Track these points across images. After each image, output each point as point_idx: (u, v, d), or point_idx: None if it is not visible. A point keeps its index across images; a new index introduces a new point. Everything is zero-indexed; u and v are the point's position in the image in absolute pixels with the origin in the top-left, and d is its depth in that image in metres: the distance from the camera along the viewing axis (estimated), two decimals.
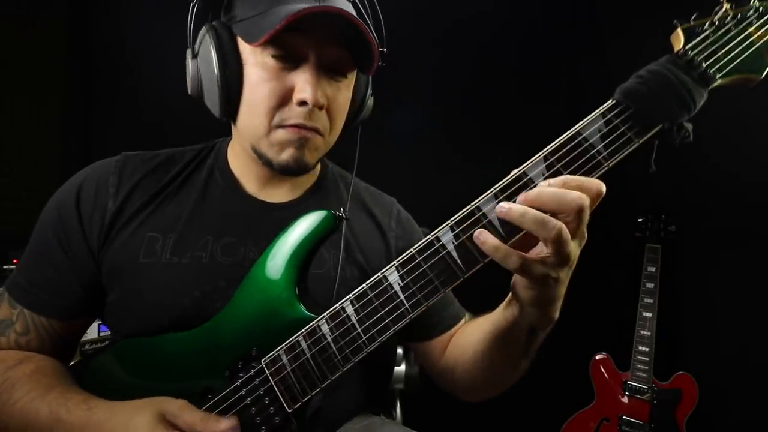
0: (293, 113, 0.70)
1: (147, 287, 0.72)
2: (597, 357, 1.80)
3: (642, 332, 1.72)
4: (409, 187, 1.29)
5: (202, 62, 0.73)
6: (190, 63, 0.75)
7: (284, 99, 0.70)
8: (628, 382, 1.72)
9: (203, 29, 0.73)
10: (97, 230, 0.74)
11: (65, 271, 0.75)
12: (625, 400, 1.72)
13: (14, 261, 1.49)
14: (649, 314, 1.72)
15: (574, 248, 0.53)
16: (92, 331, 1.42)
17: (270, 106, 0.70)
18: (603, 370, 1.79)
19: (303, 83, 0.69)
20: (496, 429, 2.00)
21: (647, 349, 1.70)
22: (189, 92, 0.77)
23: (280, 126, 0.72)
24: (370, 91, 0.85)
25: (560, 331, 2.42)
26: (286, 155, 0.73)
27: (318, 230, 0.68)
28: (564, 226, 0.51)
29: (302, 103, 0.69)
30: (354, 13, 0.72)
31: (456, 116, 2.06)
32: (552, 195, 0.51)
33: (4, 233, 1.52)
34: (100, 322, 1.43)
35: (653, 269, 1.74)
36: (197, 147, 0.87)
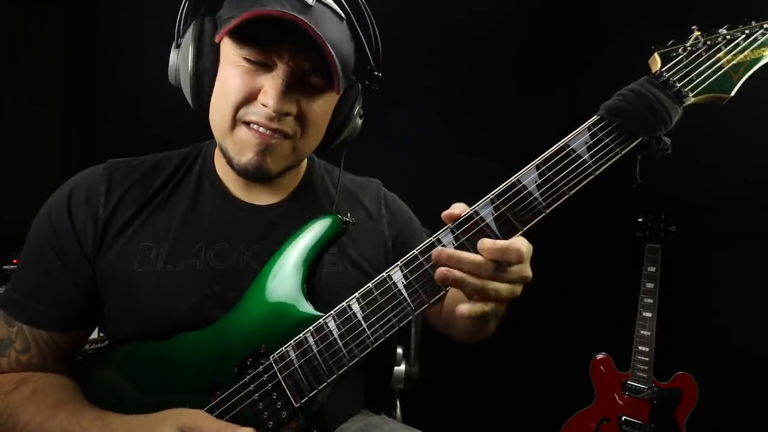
0: (257, 111, 0.70)
1: (143, 296, 0.73)
2: (597, 357, 1.81)
3: (642, 332, 1.72)
4: (408, 186, 1.28)
5: (182, 53, 0.74)
6: (172, 52, 0.76)
7: (250, 97, 0.70)
8: (628, 382, 1.72)
9: (192, 24, 0.74)
10: (91, 237, 0.74)
11: (63, 280, 0.74)
12: (625, 400, 1.72)
13: (14, 261, 1.49)
14: (649, 314, 1.72)
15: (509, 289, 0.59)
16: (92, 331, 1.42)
17: (236, 100, 0.70)
18: (603, 370, 1.79)
19: (269, 88, 0.68)
20: (496, 429, 2.01)
21: (647, 349, 1.71)
22: (169, 80, 0.78)
23: (244, 122, 0.71)
24: (359, 111, 0.82)
25: (560, 331, 2.43)
26: (246, 158, 0.72)
27: (327, 235, 0.72)
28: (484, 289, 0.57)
29: (264, 105, 0.69)
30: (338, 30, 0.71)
31: (455, 115, 2.07)
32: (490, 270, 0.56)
33: (4, 233, 1.52)
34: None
35: (653, 269, 1.74)
36: (184, 151, 0.86)
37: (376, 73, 0.80)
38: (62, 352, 0.76)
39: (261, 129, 0.70)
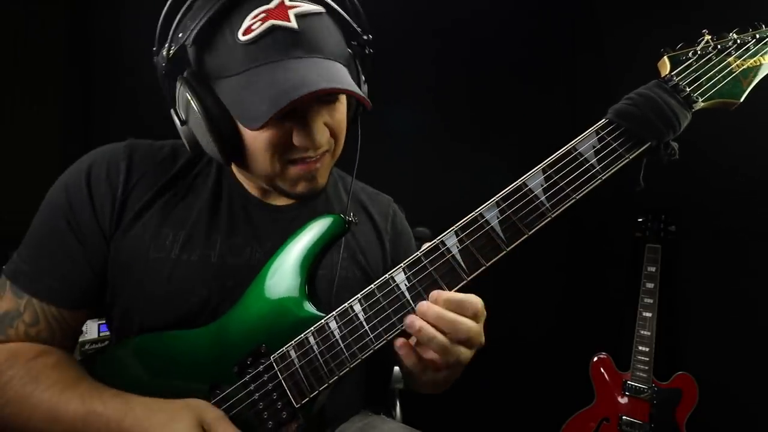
0: (298, 151, 0.70)
1: (156, 282, 0.72)
2: (597, 357, 1.81)
3: (642, 332, 1.72)
4: (408, 186, 1.29)
5: (195, 127, 0.70)
6: (180, 128, 0.72)
7: (286, 142, 0.69)
8: (628, 382, 1.72)
9: (180, 88, 0.69)
10: (109, 214, 0.73)
11: (77, 256, 0.72)
12: (625, 400, 1.72)
13: None
14: (649, 314, 1.72)
15: (465, 353, 0.60)
16: (92, 331, 1.42)
17: (273, 153, 0.69)
18: (603, 370, 1.79)
19: (299, 130, 0.68)
20: (496, 429, 2.00)
21: (647, 349, 1.71)
22: (189, 150, 0.74)
23: (290, 162, 0.71)
24: (363, 78, 0.80)
25: (560, 331, 2.42)
26: (301, 188, 0.74)
27: (328, 234, 0.72)
28: (446, 349, 0.57)
29: (303, 147, 0.69)
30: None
31: (456, 115, 2.07)
32: (448, 322, 0.57)
33: (4, 233, 1.52)
34: (101, 322, 1.43)
35: (653, 269, 1.74)
36: None
37: (366, 36, 0.78)
38: (69, 330, 0.75)
39: (306, 160, 0.71)
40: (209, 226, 0.76)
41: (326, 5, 0.69)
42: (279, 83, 0.62)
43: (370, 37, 0.78)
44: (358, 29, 0.76)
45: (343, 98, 0.75)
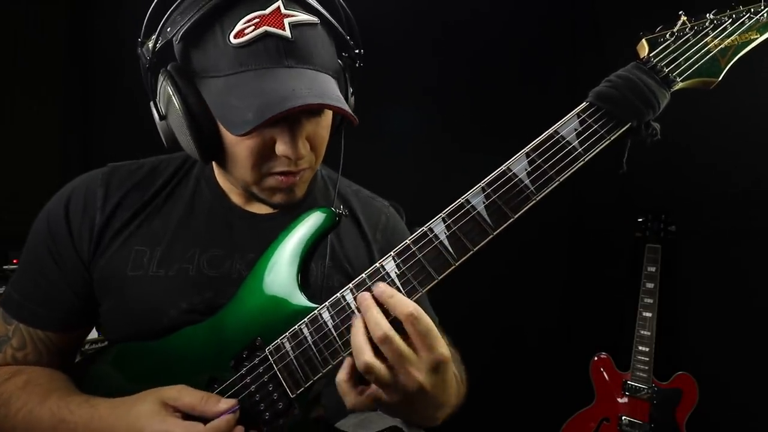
0: (279, 162, 0.69)
1: (134, 299, 0.73)
2: (597, 357, 1.81)
3: (642, 332, 1.72)
4: (408, 185, 1.29)
5: (174, 122, 0.69)
6: (158, 122, 0.71)
7: (267, 152, 0.68)
8: (628, 382, 1.72)
9: (162, 82, 0.67)
10: (87, 242, 0.75)
11: (58, 282, 0.75)
12: (625, 400, 1.72)
13: (14, 261, 1.50)
14: (649, 314, 1.72)
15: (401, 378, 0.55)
16: (92, 332, 1.42)
17: (254, 162, 0.68)
18: (603, 370, 1.79)
19: (283, 139, 0.66)
20: (496, 429, 2.00)
21: (647, 349, 1.71)
22: (165, 146, 0.73)
23: (269, 174, 0.70)
24: (351, 90, 0.79)
25: (560, 331, 2.42)
26: (278, 198, 0.73)
27: (322, 228, 0.72)
28: (367, 361, 0.54)
29: (285, 156, 0.67)
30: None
31: (456, 115, 2.07)
32: (369, 320, 0.56)
33: (4, 233, 1.52)
34: None
35: (653, 269, 1.74)
36: (182, 155, 0.84)
37: (357, 50, 0.77)
38: (58, 351, 0.77)
39: (285, 173, 0.70)
40: (186, 240, 0.76)
41: (321, 16, 0.68)
42: (267, 93, 0.61)
43: (362, 51, 0.78)
44: (351, 42, 0.76)
45: (328, 111, 0.74)
